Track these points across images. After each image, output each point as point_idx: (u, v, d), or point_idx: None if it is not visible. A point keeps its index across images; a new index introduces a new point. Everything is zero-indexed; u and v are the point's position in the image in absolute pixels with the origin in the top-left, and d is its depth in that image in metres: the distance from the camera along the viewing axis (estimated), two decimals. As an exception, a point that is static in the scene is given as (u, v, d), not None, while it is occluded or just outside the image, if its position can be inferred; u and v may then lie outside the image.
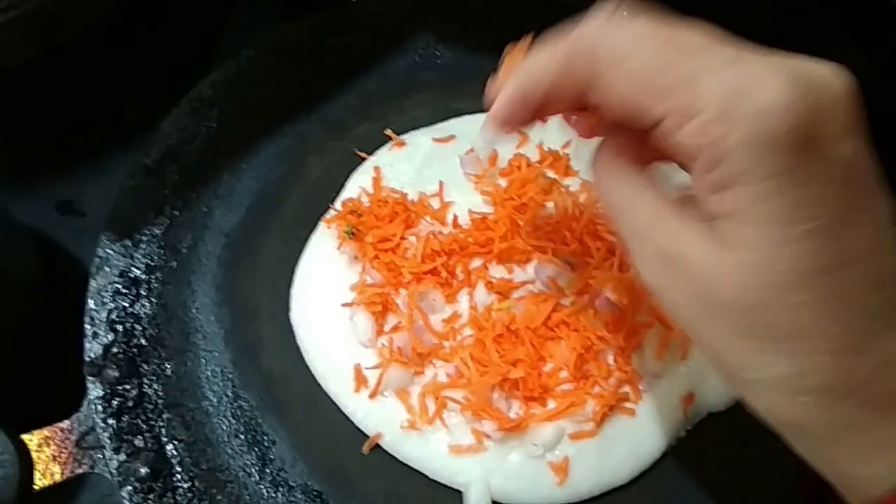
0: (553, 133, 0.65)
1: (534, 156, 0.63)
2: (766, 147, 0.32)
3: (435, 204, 0.61)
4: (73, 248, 0.68)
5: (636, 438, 0.53)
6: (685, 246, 0.35)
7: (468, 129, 0.66)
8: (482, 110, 0.67)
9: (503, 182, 0.61)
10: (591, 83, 0.36)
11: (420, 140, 0.65)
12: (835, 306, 0.33)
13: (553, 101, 0.40)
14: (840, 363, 0.34)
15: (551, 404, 0.53)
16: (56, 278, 0.66)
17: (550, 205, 0.60)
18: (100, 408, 0.54)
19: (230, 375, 0.57)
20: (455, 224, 0.59)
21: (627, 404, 0.54)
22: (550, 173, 0.62)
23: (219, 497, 0.53)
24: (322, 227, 0.61)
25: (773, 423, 0.37)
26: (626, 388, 0.54)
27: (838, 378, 0.34)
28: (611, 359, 0.55)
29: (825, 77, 0.33)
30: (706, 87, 0.33)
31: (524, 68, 0.41)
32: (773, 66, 0.32)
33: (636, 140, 0.39)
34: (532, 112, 0.41)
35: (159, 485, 0.52)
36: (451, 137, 0.65)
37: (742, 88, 0.32)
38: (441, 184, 0.62)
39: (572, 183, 0.62)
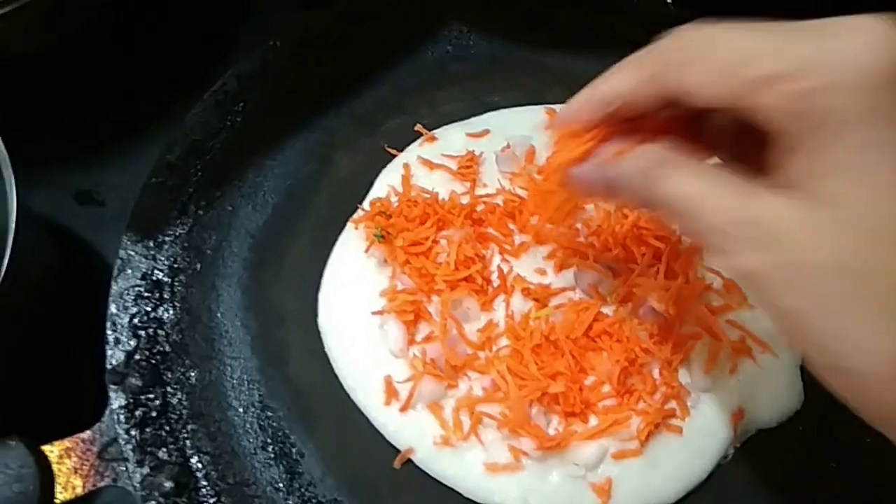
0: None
1: (573, 153, 0.60)
2: (867, 89, 0.30)
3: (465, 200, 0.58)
4: (93, 239, 0.67)
5: (682, 458, 0.51)
6: (781, 219, 0.32)
7: (503, 123, 0.63)
8: (518, 103, 0.65)
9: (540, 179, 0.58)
10: (678, 83, 0.36)
11: (453, 135, 0.63)
12: None
13: (630, 108, 0.40)
14: None
15: (593, 421, 0.51)
16: (75, 271, 0.64)
17: (591, 206, 0.57)
18: (122, 418, 0.52)
19: (257, 384, 0.55)
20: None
21: (674, 421, 0.51)
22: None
23: (246, 512, 0.51)
24: (350, 227, 0.59)
25: (886, 426, 0.33)
26: (673, 404, 0.51)
27: None
28: (656, 372, 0.52)
29: None
30: (794, 51, 0.32)
31: (607, 74, 0.41)
32: (853, 19, 0.32)
33: (686, 140, 0.38)
34: (603, 115, 0.41)
35: (184, 500, 0.50)
36: (486, 132, 0.62)
37: (830, 41, 0.31)
38: (473, 182, 0.59)
39: (615, 183, 0.59)
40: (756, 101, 0.33)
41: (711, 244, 0.35)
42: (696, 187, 0.35)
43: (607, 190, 0.41)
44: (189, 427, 0.53)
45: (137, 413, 0.52)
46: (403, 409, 0.52)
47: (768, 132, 0.34)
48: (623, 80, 0.40)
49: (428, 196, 0.58)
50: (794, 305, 0.33)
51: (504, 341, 0.53)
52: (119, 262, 0.56)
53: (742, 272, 0.34)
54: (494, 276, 0.55)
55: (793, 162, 0.33)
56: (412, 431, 0.52)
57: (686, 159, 0.37)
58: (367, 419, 0.53)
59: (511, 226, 0.57)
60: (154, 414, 0.52)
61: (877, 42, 0.31)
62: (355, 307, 0.55)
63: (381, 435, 0.52)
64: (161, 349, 0.55)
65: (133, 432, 0.51)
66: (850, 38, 0.31)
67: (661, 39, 0.38)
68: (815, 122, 0.32)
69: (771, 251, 0.33)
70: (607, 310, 0.54)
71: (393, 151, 0.62)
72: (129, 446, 0.51)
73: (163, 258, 0.58)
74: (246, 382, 0.55)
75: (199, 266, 0.58)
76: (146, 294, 0.56)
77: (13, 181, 0.51)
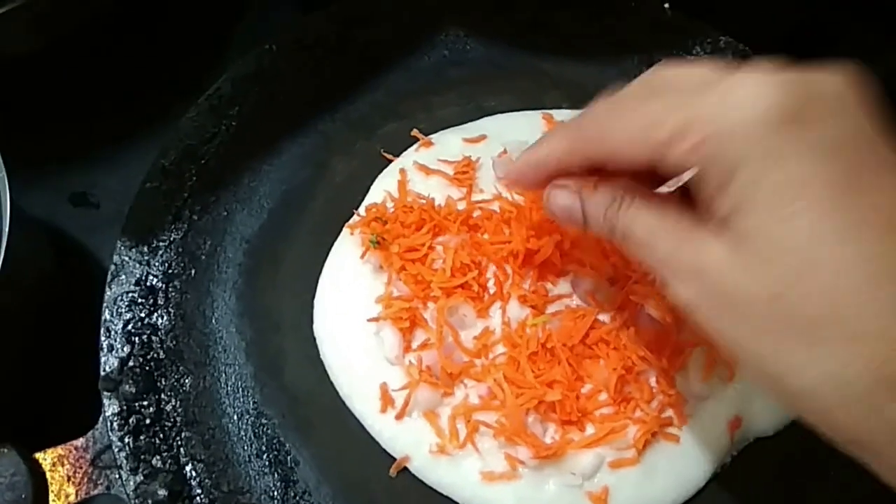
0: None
1: (571, 159, 0.60)
2: (750, 129, 0.33)
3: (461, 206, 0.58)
4: (87, 241, 0.66)
5: (680, 466, 0.50)
6: (708, 254, 0.36)
7: (500, 128, 0.63)
8: (515, 108, 0.65)
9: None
10: (601, 153, 0.40)
11: (449, 140, 0.62)
12: (864, 279, 0.31)
13: (568, 169, 0.43)
14: (878, 353, 0.31)
15: (590, 429, 0.50)
16: (69, 274, 0.64)
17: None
18: (116, 425, 0.51)
19: (251, 391, 0.54)
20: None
21: (671, 429, 0.51)
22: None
23: (240, 521, 0.50)
24: (345, 233, 0.58)
25: (838, 442, 0.34)
26: (670, 412, 0.51)
27: (873, 370, 0.31)
28: (653, 380, 0.52)
29: (816, 73, 0.35)
30: (690, 110, 0.35)
31: (540, 142, 0.45)
32: (754, 71, 0.34)
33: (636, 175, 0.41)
34: (545, 178, 0.44)
35: (178, 508, 0.50)
36: (483, 137, 0.62)
37: (722, 96, 0.34)
38: (469, 188, 0.59)
39: (612, 189, 0.59)
40: (669, 159, 0.36)
41: (658, 276, 0.39)
42: (646, 226, 0.39)
43: (578, 221, 0.44)
44: (183, 434, 0.52)
45: (131, 420, 0.52)
46: (399, 416, 0.51)
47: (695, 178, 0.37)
48: (553, 149, 0.43)
49: (424, 202, 0.57)
50: (726, 333, 0.36)
51: (500, 349, 0.53)
52: (113, 267, 0.56)
53: (680, 303, 0.37)
54: (491, 283, 0.54)
55: (717, 201, 0.35)
56: (408, 439, 0.51)
57: (640, 198, 0.40)
58: (362, 427, 0.52)
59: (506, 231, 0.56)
60: (148, 421, 0.52)
61: (757, 91, 0.33)
62: (351, 314, 0.55)
63: (377, 443, 0.52)
64: (155, 356, 0.54)
65: (127, 440, 0.51)
66: (738, 90, 0.34)
67: (586, 109, 0.42)
68: (722, 168, 0.34)
69: (701, 283, 0.36)
70: (604, 317, 0.53)
71: (389, 156, 0.62)
72: (123, 454, 0.51)
73: (157, 264, 0.57)
74: (241, 389, 0.54)
75: (193, 272, 0.58)
76: (140, 300, 0.56)
77: (7, 182, 0.51)
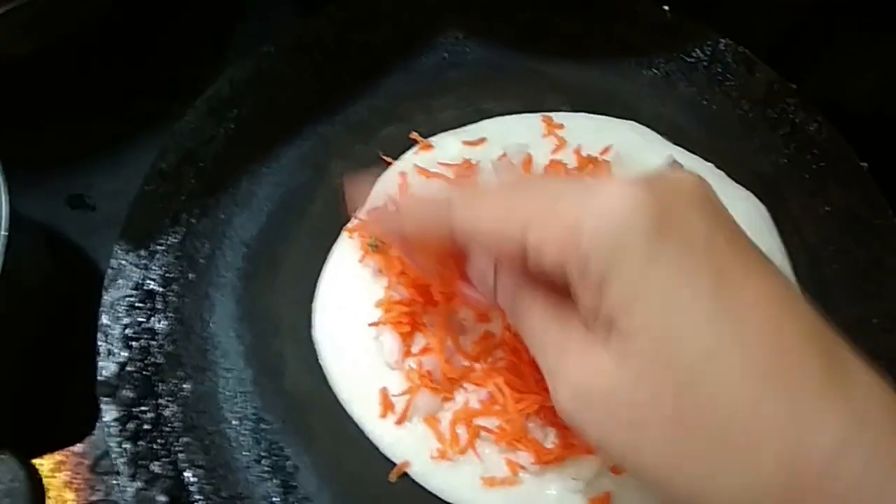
0: (592, 136, 0.62)
1: (572, 162, 0.60)
2: (612, 239, 0.32)
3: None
4: (85, 244, 0.66)
5: (681, 471, 0.50)
6: (591, 378, 0.34)
7: (500, 131, 0.63)
8: (515, 111, 0.65)
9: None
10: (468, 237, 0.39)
11: (449, 143, 0.62)
12: (753, 386, 0.31)
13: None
14: (779, 461, 0.30)
15: (591, 434, 0.50)
16: (67, 276, 0.63)
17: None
18: (114, 431, 0.51)
19: (251, 396, 0.54)
20: None
21: (672, 434, 0.51)
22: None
23: (240, 527, 0.50)
24: (344, 237, 0.58)
25: None
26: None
27: (777, 479, 0.30)
28: (654, 384, 0.51)
29: (671, 175, 0.35)
30: (554, 211, 0.34)
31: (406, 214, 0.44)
32: (615, 178, 0.35)
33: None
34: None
35: (177, 514, 0.50)
36: (482, 140, 0.62)
37: (587, 197, 0.33)
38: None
39: (612, 193, 0.58)
40: (539, 268, 0.35)
41: (546, 378, 0.38)
42: (535, 322, 0.38)
43: (489, 290, 0.43)
44: (182, 440, 0.52)
45: (130, 426, 0.51)
46: (399, 421, 0.51)
47: None
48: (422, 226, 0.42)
49: (424, 205, 0.57)
50: (620, 451, 0.34)
51: (500, 353, 0.52)
52: (111, 271, 0.56)
53: (561, 409, 0.36)
54: (491, 287, 0.54)
55: (596, 319, 0.34)
56: (408, 444, 0.51)
57: (537, 290, 0.38)
58: (362, 432, 0.52)
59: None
60: (147, 427, 0.52)
61: (622, 192, 0.32)
62: (350, 318, 0.55)
63: (377, 448, 0.52)
64: (154, 360, 0.54)
65: (125, 445, 0.51)
66: (606, 191, 0.33)
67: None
68: (593, 283, 0.33)
69: (584, 402, 0.35)
70: (605, 321, 0.53)
71: (388, 159, 0.62)
72: (122, 460, 0.50)
73: (155, 267, 0.57)
74: (240, 394, 0.54)
75: (192, 275, 0.58)
76: (138, 304, 0.55)
77: (3, 185, 0.51)
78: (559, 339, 0.37)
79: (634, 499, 0.49)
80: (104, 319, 0.54)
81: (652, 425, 0.32)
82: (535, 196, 0.36)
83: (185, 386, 0.54)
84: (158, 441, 0.52)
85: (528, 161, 0.60)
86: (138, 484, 0.50)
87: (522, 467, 0.49)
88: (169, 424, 0.52)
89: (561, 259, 0.34)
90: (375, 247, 0.55)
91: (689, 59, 0.66)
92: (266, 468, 0.52)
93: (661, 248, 0.32)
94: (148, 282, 0.56)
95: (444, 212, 0.39)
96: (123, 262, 0.56)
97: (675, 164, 0.59)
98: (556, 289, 0.37)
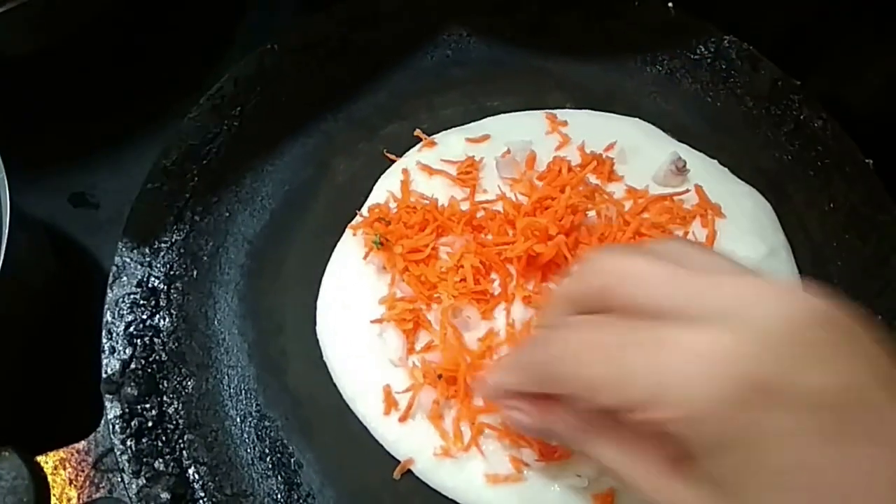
0: (595, 133, 0.61)
1: (575, 159, 0.60)
2: (706, 420, 0.30)
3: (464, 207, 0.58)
4: (88, 242, 0.66)
5: (685, 468, 0.50)
6: None
7: (504, 128, 0.63)
8: (518, 108, 0.65)
9: (541, 186, 0.58)
10: (558, 391, 0.38)
11: (452, 140, 0.62)
12: None
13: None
14: None
15: (595, 431, 0.50)
16: (70, 275, 0.63)
17: (592, 213, 0.56)
18: (118, 428, 0.51)
19: (254, 393, 0.54)
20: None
21: (676, 431, 0.50)
22: (593, 178, 0.58)
23: (243, 524, 0.50)
24: (348, 234, 0.58)
25: None
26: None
27: None
28: (659, 382, 0.51)
29: (766, 309, 0.31)
30: (637, 380, 0.33)
31: (498, 370, 0.44)
32: (688, 335, 0.31)
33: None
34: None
35: (181, 511, 0.50)
36: (486, 137, 0.62)
37: (667, 374, 0.31)
38: (473, 188, 0.58)
39: (616, 190, 0.58)
40: (641, 419, 0.33)
41: None
42: (616, 463, 0.37)
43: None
44: (186, 437, 0.52)
45: (133, 423, 0.51)
46: (403, 419, 0.51)
47: None
48: (511, 380, 0.42)
49: (427, 202, 0.57)
50: None
51: (505, 350, 0.52)
52: (114, 268, 0.56)
53: None
54: (495, 284, 0.54)
55: (696, 471, 0.33)
56: (412, 442, 0.51)
57: (605, 432, 0.38)
58: (366, 429, 0.52)
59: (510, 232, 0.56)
60: (150, 424, 0.52)
61: (711, 365, 0.30)
62: (354, 315, 0.55)
63: (381, 445, 0.52)
64: (157, 358, 0.54)
65: (129, 442, 0.51)
66: (686, 361, 0.31)
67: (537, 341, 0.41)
68: (700, 445, 0.32)
69: None
70: (609, 318, 0.53)
71: (392, 157, 0.62)
72: (125, 457, 0.50)
73: (159, 265, 0.57)
74: (243, 391, 0.54)
75: (195, 273, 0.58)
76: (142, 302, 0.55)
77: (6, 183, 0.50)
78: (647, 476, 0.36)
79: (637, 496, 0.49)
80: (108, 317, 0.54)
81: None
82: (646, 356, 0.33)
83: (188, 383, 0.54)
84: (162, 438, 0.52)
85: (531, 158, 0.59)
86: (142, 481, 0.50)
87: (526, 464, 0.49)
88: (172, 421, 0.52)
89: (663, 426, 0.32)
90: (380, 244, 0.55)
91: (693, 56, 0.66)
92: (269, 465, 0.52)
93: (774, 424, 0.30)
94: (151, 279, 0.56)
95: (535, 369, 0.39)
96: (127, 259, 0.56)
97: (681, 160, 0.59)
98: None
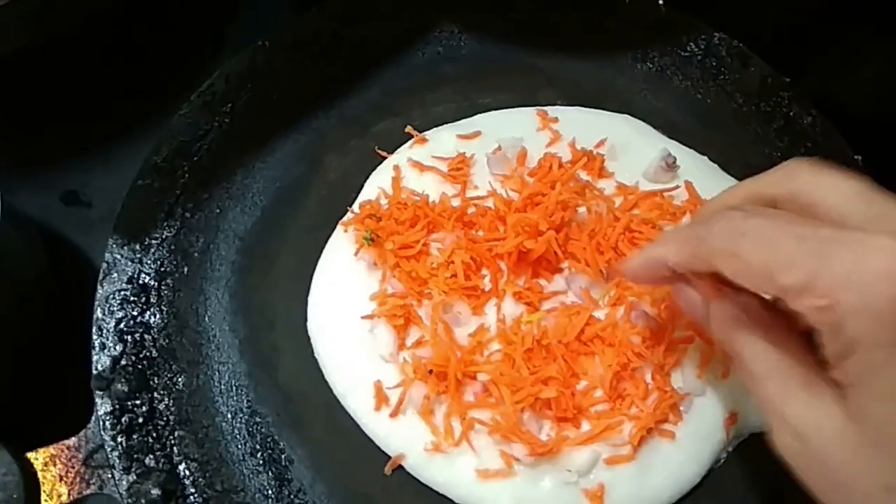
0: (586, 129, 0.61)
1: (566, 155, 0.60)
2: (874, 315, 0.31)
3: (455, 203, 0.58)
4: (80, 240, 0.66)
5: (676, 463, 0.50)
6: (820, 418, 0.35)
7: (495, 125, 0.63)
8: (509, 105, 0.65)
9: (531, 182, 0.58)
10: (715, 269, 0.39)
11: (443, 137, 0.62)
12: None
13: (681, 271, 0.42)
14: None
15: (585, 426, 0.50)
16: (61, 273, 0.63)
17: (583, 209, 0.56)
18: (108, 424, 0.51)
19: (245, 389, 0.54)
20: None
21: (666, 426, 0.51)
22: (584, 175, 0.58)
23: (234, 520, 0.50)
24: (339, 230, 0.58)
25: None
26: (665, 409, 0.51)
27: None
28: (648, 377, 0.52)
29: None
30: (819, 265, 0.33)
31: (655, 247, 0.44)
32: (885, 238, 0.32)
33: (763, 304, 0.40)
34: (661, 277, 0.44)
35: (171, 507, 0.49)
36: (477, 134, 0.62)
37: (851, 262, 0.32)
38: (464, 184, 0.58)
39: (607, 186, 0.59)
40: (792, 305, 0.35)
41: (763, 413, 0.38)
42: (758, 357, 0.38)
43: (702, 320, 0.43)
44: (176, 433, 0.52)
45: (124, 419, 0.51)
46: (394, 414, 0.51)
47: None
48: (668, 254, 0.42)
49: (418, 198, 0.57)
50: (822, 490, 0.35)
51: (495, 346, 0.52)
52: (105, 265, 0.56)
53: (779, 447, 0.37)
54: (486, 280, 0.54)
55: (835, 367, 0.34)
56: (403, 437, 0.51)
57: (759, 324, 0.39)
58: (357, 425, 0.52)
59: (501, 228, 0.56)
60: (141, 420, 0.52)
61: (891, 267, 0.31)
62: (345, 311, 0.55)
63: (372, 441, 0.52)
64: (148, 354, 0.54)
65: (119, 439, 0.51)
66: (872, 258, 0.32)
67: (706, 218, 0.40)
68: (843, 340, 0.33)
69: (807, 447, 0.35)
70: (599, 314, 0.53)
71: (383, 153, 0.62)
72: (116, 453, 0.50)
73: (149, 261, 0.57)
74: (234, 388, 0.54)
75: (186, 269, 0.58)
76: (132, 298, 0.55)
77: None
78: (787, 375, 0.37)
79: (627, 491, 0.49)
80: (98, 313, 0.54)
81: (869, 498, 0.33)
82: (804, 231, 0.35)
83: (179, 379, 0.54)
84: (152, 434, 0.51)
85: (522, 154, 0.59)
86: (132, 477, 0.50)
87: (517, 459, 0.49)
88: (163, 418, 0.52)
89: (811, 314, 0.34)
90: (371, 240, 0.55)
91: (683, 54, 0.66)
92: (260, 461, 0.52)
93: None
94: (142, 276, 0.56)
95: (696, 246, 0.40)
96: (118, 255, 0.56)
97: (671, 156, 0.59)
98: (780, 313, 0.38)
